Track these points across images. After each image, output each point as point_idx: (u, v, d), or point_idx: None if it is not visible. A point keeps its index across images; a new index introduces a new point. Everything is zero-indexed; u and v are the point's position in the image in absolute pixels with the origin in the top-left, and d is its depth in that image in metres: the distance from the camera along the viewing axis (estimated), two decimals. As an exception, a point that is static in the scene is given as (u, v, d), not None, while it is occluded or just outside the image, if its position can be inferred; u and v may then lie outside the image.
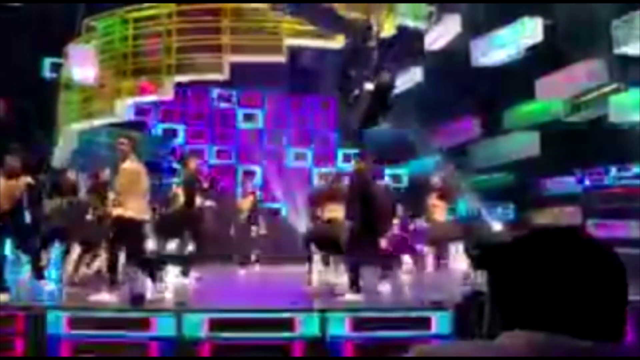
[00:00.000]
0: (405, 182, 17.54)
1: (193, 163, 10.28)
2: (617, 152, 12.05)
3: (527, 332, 1.05)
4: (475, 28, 12.50)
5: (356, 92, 9.87)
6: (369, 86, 9.75)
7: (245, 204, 12.83)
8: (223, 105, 17.73)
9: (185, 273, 9.55)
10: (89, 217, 9.38)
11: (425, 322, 6.41)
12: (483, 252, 1.18)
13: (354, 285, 7.71)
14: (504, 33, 12.09)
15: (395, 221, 11.09)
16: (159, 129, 17.28)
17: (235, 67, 11.55)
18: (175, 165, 15.71)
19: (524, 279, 1.08)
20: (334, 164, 17.97)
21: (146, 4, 11.80)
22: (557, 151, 13.18)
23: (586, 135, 12.47)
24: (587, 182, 13.49)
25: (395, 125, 17.02)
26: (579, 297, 1.05)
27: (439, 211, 10.09)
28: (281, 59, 11.33)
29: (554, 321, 1.05)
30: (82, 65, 11.38)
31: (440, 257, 11.16)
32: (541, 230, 1.15)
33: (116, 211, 7.68)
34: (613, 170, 12.99)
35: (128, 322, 6.31)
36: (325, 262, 9.56)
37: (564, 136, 12.91)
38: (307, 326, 6.24)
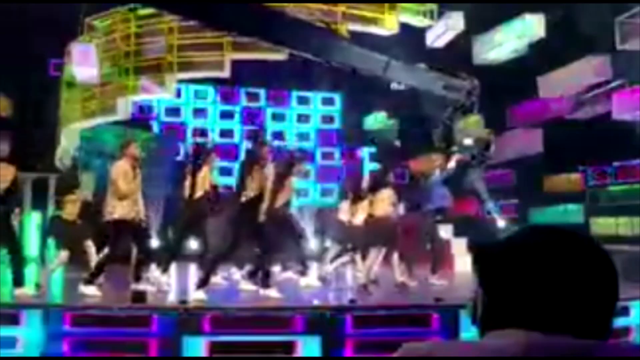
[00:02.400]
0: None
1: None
2: (621, 149, 12.00)
3: (519, 330, 1.04)
4: (478, 25, 12.47)
5: (454, 147, 10.16)
6: (467, 141, 10.04)
7: None
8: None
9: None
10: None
11: (427, 321, 6.40)
12: (478, 250, 1.16)
13: None
14: (506, 30, 12.05)
15: None
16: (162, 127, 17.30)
17: (236, 65, 11.56)
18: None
19: (517, 277, 1.07)
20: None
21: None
22: (560, 148, 13.13)
23: (589, 132, 12.42)
24: (590, 179, 13.44)
25: (398, 124, 17.07)
26: (570, 295, 1.04)
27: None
28: (282, 56, 11.32)
29: (546, 319, 1.04)
30: (84, 64, 11.39)
31: None
32: (534, 228, 1.14)
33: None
34: (616, 168, 12.94)
35: (129, 320, 6.31)
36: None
37: (567, 133, 12.87)
38: (307, 325, 6.22)
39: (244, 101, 18.05)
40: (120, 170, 7.78)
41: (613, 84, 11.70)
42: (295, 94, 18.14)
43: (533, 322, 1.03)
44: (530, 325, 1.03)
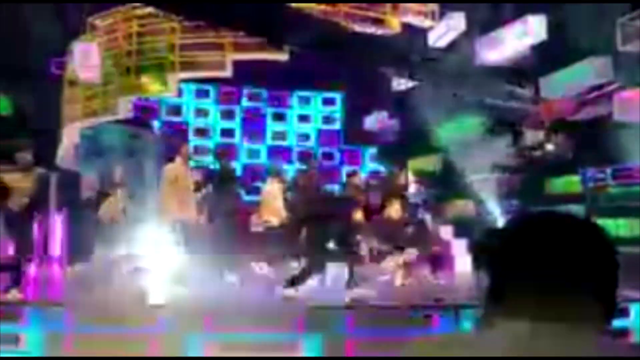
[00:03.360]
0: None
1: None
2: (622, 151, 11.99)
3: (522, 321, 1.05)
4: (479, 26, 12.48)
5: (538, 152, 10.30)
6: (550, 146, 10.21)
7: None
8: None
9: None
10: None
11: (427, 321, 6.40)
12: (482, 243, 1.17)
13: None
14: (508, 31, 12.06)
15: None
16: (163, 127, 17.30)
17: (237, 64, 11.57)
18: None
19: (520, 269, 1.08)
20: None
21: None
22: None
23: (590, 133, 12.42)
24: (591, 181, 13.43)
25: (402, 123, 17.08)
26: (573, 287, 1.05)
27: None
28: (284, 56, 11.33)
29: (548, 311, 1.04)
30: (85, 63, 11.40)
31: None
32: (536, 216, 1.13)
33: None
34: (617, 169, 12.92)
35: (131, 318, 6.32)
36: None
37: (568, 134, 12.85)
38: (308, 324, 6.23)
39: (244, 101, 18.08)
40: (175, 171, 8.00)
41: (614, 86, 11.69)
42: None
43: (537, 312, 1.04)
44: (534, 315, 1.04)
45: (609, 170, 12.80)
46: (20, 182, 7.74)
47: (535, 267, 1.06)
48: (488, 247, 1.13)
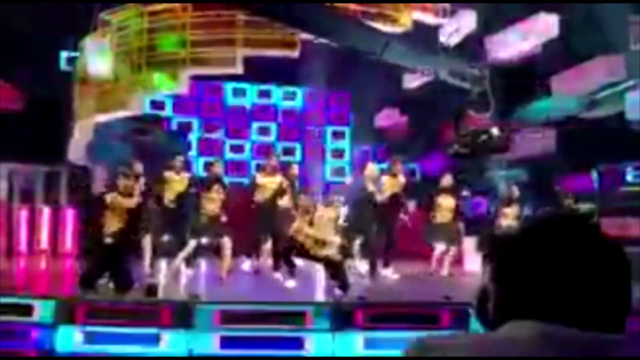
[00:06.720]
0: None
1: None
2: (634, 150, 11.91)
3: (532, 322, 1.05)
4: (490, 24, 12.43)
5: (483, 136, 10.26)
6: (495, 131, 10.13)
7: None
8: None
9: None
10: None
11: (436, 318, 6.40)
12: (492, 244, 1.18)
13: None
14: (519, 29, 12.00)
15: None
16: (173, 123, 17.32)
17: (249, 61, 11.57)
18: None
19: (531, 269, 1.08)
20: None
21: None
22: (573, 148, 13.06)
23: (602, 132, 12.35)
24: (603, 180, 13.35)
25: (411, 121, 17.06)
26: (584, 288, 1.05)
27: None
28: (294, 53, 11.34)
29: (559, 311, 1.05)
30: (97, 59, 11.44)
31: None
32: (548, 220, 1.15)
33: None
34: (629, 168, 12.83)
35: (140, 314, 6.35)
36: None
37: (579, 133, 12.79)
38: (318, 320, 6.25)
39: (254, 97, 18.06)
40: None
41: (626, 84, 11.62)
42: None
43: (547, 314, 1.05)
44: (545, 317, 1.05)
45: (621, 169, 12.72)
46: (176, 183, 9.21)
47: (549, 270, 1.07)
48: (504, 248, 1.14)
